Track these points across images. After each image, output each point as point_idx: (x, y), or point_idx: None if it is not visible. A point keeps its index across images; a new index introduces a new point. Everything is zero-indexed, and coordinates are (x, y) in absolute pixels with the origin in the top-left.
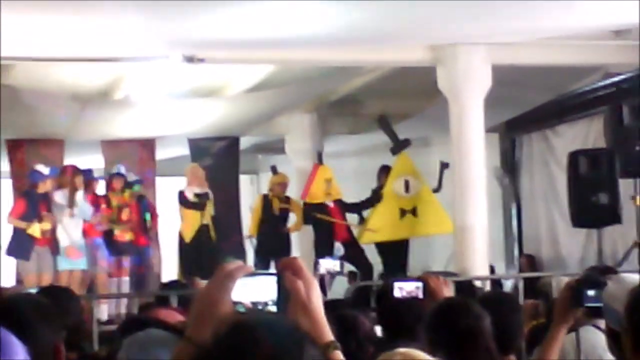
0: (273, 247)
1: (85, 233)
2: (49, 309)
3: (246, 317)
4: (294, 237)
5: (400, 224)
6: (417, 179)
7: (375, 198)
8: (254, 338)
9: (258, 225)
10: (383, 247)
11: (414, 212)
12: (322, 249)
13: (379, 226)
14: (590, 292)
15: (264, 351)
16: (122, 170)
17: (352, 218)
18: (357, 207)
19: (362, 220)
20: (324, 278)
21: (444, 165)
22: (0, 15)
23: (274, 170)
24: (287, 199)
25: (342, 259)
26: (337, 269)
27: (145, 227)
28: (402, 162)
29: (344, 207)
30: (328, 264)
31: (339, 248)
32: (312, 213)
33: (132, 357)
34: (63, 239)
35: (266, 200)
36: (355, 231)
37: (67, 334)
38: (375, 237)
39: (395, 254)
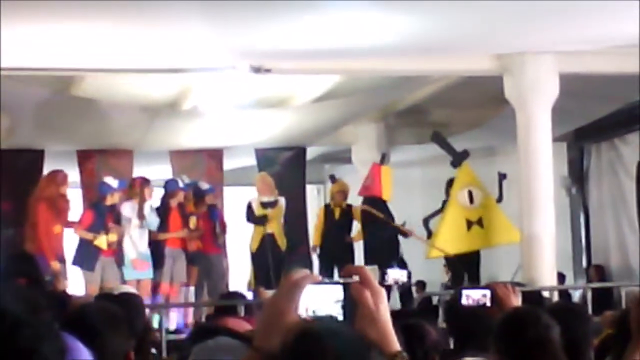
0: (336, 256)
1: (165, 243)
2: (119, 317)
3: (313, 326)
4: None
5: (468, 236)
6: (480, 189)
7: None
8: (320, 346)
9: (322, 235)
10: (452, 260)
11: (480, 222)
12: (387, 255)
13: (447, 239)
14: None
15: (331, 359)
16: (186, 180)
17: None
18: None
19: (430, 234)
20: (391, 288)
21: (502, 176)
22: (69, 27)
23: (332, 179)
24: (349, 207)
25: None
26: (405, 279)
27: (215, 236)
28: (465, 173)
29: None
30: (396, 274)
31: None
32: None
33: None
34: (129, 251)
35: (328, 210)
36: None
37: (137, 341)
38: (444, 249)
39: (467, 267)
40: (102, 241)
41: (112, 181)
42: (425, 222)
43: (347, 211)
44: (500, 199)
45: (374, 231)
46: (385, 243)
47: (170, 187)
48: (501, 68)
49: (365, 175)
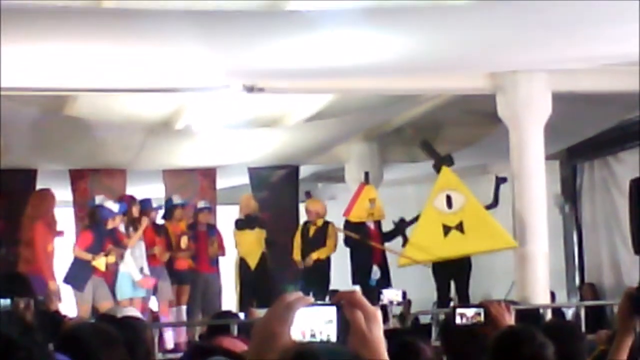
0: (310, 275)
1: (149, 262)
2: (114, 338)
3: (308, 347)
4: (337, 260)
5: (445, 242)
6: (462, 193)
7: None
8: None
9: (301, 252)
10: (439, 272)
11: (460, 228)
12: (360, 272)
13: (420, 246)
14: None
15: None
16: (179, 200)
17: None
18: (389, 235)
19: (406, 242)
20: (386, 308)
21: (501, 180)
22: (62, 47)
23: (307, 195)
24: (326, 225)
25: (379, 282)
26: (400, 299)
27: (209, 255)
28: (444, 178)
29: (381, 232)
30: (390, 294)
31: (375, 272)
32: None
33: None
34: (133, 270)
35: (305, 227)
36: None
37: None
38: (416, 257)
39: (455, 280)
40: (100, 263)
41: (113, 206)
42: (402, 230)
43: (323, 229)
44: (494, 205)
45: (354, 251)
46: (365, 262)
47: (143, 206)
48: (494, 86)
49: None
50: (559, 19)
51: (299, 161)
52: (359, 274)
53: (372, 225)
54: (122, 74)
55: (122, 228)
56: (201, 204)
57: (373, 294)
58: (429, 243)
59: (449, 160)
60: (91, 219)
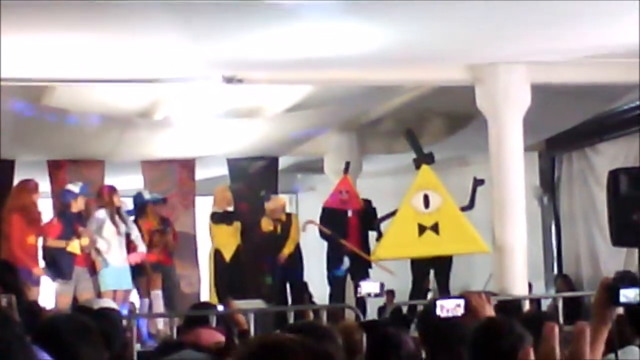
0: (285, 267)
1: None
2: (90, 329)
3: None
4: (312, 250)
5: (419, 242)
6: (440, 194)
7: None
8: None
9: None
10: (418, 265)
11: (435, 229)
12: (333, 260)
13: (394, 243)
14: (627, 291)
15: None
16: (147, 196)
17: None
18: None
19: (381, 236)
20: (364, 300)
21: (478, 182)
22: (40, 37)
23: (266, 197)
24: (289, 216)
25: (348, 271)
26: (377, 291)
27: (168, 248)
28: (423, 176)
29: (366, 220)
30: (368, 287)
31: (345, 262)
32: (328, 219)
33: None
34: (108, 258)
35: (273, 225)
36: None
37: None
38: (389, 254)
39: (436, 274)
40: (74, 246)
41: (74, 187)
42: (377, 224)
43: (287, 222)
44: (470, 206)
45: (329, 241)
46: (336, 252)
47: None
48: (473, 78)
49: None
50: (538, 11)
51: (278, 152)
52: (332, 263)
53: (350, 214)
54: (100, 64)
55: (102, 215)
56: (155, 197)
57: (340, 283)
58: (403, 241)
59: (429, 158)
60: (58, 207)
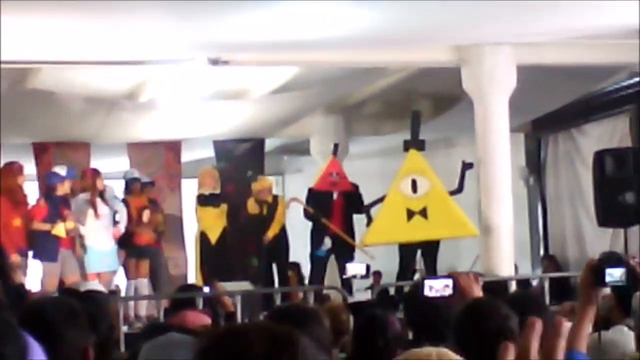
0: (271, 248)
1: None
2: (76, 311)
3: (236, 326)
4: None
5: (408, 226)
6: (428, 178)
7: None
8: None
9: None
10: (405, 247)
11: (423, 213)
12: (315, 240)
13: (383, 228)
14: (612, 271)
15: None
16: (136, 174)
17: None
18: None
19: (370, 221)
20: (350, 281)
21: (467, 166)
22: (25, 20)
23: (252, 177)
24: (275, 198)
25: (330, 252)
26: (363, 272)
27: (157, 230)
28: (411, 160)
29: (352, 202)
30: (354, 268)
31: (326, 243)
32: (313, 201)
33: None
34: (90, 242)
35: (259, 206)
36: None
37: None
38: (378, 238)
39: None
40: (60, 229)
41: (60, 170)
42: (366, 209)
43: (274, 204)
44: (459, 190)
45: (313, 222)
46: (319, 233)
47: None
48: (459, 59)
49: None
50: None
51: (264, 134)
52: (314, 243)
53: (335, 196)
54: (86, 46)
55: (82, 199)
56: (144, 179)
57: (321, 264)
58: (391, 226)
59: (420, 145)
60: (43, 189)
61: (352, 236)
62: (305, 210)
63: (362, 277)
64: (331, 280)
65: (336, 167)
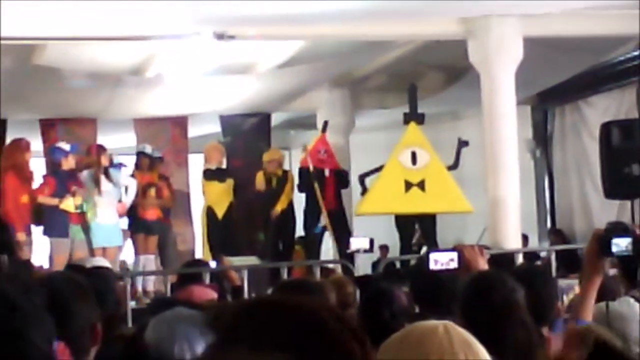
0: (278, 223)
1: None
2: (84, 287)
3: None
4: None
5: (405, 198)
6: (427, 151)
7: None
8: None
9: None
10: (402, 221)
11: (421, 185)
12: (309, 217)
13: (380, 198)
14: (619, 241)
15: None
16: (148, 149)
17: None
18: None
19: (365, 191)
20: (353, 256)
21: (463, 143)
22: None
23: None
24: (285, 173)
25: (325, 228)
26: (367, 246)
27: (167, 206)
28: (411, 133)
29: (342, 179)
30: (358, 243)
31: (321, 219)
32: (305, 179)
33: (162, 336)
34: (94, 217)
35: (267, 178)
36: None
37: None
38: (374, 208)
39: (423, 229)
40: (68, 204)
41: (64, 145)
42: (362, 178)
43: (283, 178)
44: (455, 166)
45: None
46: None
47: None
48: (465, 32)
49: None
50: None
51: (270, 108)
52: (309, 220)
53: (327, 173)
54: (91, 22)
55: (87, 175)
56: (155, 155)
57: (316, 240)
58: (389, 196)
59: (420, 118)
60: (50, 165)
61: (343, 212)
62: (299, 186)
63: (366, 251)
64: (327, 257)
65: (325, 145)
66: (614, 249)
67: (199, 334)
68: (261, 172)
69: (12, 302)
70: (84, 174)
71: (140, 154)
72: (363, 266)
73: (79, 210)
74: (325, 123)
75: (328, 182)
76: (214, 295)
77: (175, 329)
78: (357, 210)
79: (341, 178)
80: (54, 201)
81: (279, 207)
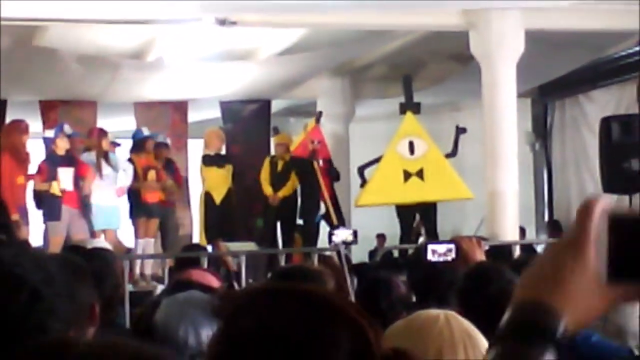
0: (279, 210)
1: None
2: (82, 268)
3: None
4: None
5: (404, 187)
6: (425, 140)
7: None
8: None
9: (270, 187)
10: (403, 211)
11: (420, 175)
12: (308, 206)
13: (379, 188)
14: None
15: None
16: (146, 132)
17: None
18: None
19: (365, 183)
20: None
21: (461, 130)
22: None
23: (275, 130)
24: (292, 159)
25: (324, 217)
26: (351, 238)
27: (169, 190)
28: (408, 123)
29: (334, 171)
30: (342, 234)
31: (320, 208)
32: (298, 169)
33: (170, 317)
34: (94, 200)
35: (272, 162)
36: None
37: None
38: (374, 199)
39: (424, 219)
40: (55, 188)
41: (49, 133)
42: (361, 170)
43: (290, 163)
44: (453, 154)
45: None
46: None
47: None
48: (467, 23)
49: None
50: None
51: (271, 95)
52: (307, 209)
53: (322, 163)
54: (93, 4)
55: (87, 159)
56: (161, 139)
57: (314, 229)
58: (388, 187)
59: (415, 108)
60: (46, 151)
61: (337, 202)
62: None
63: (350, 243)
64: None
65: (318, 135)
66: None
67: (207, 320)
68: (268, 158)
69: (38, 292)
70: (84, 157)
71: (144, 137)
72: (361, 255)
73: (69, 191)
74: (320, 113)
75: (322, 172)
76: (212, 279)
77: (184, 312)
78: (357, 202)
79: (332, 169)
80: (44, 186)
81: (282, 193)
